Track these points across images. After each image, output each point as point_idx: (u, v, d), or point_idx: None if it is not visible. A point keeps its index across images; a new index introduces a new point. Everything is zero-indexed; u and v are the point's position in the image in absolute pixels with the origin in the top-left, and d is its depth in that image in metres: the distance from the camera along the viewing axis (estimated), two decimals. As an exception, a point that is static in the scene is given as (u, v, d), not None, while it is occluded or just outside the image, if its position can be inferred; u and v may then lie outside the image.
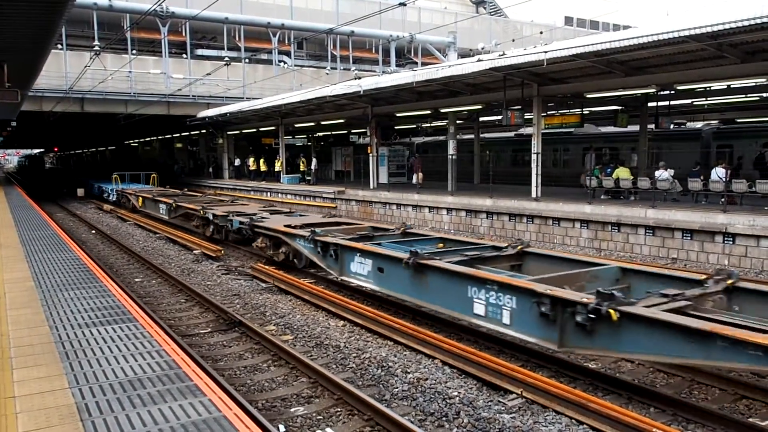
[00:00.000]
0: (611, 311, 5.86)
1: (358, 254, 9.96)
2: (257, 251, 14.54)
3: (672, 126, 23.45)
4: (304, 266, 13.33)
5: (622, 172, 18.39)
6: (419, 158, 27.97)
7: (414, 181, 25.66)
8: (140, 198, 24.68)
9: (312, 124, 31.73)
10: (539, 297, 6.55)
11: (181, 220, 20.84)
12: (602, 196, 18.64)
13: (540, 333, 6.73)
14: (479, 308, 7.50)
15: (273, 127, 34.12)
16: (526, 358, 7.89)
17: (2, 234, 13.59)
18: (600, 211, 16.30)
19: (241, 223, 14.85)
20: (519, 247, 9.31)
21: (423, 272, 8.43)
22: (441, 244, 10.68)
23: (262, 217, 14.80)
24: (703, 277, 7.11)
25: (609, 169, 19.11)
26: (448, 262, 8.37)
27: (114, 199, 29.78)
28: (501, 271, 8.43)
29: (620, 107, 22.23)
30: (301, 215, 16.04)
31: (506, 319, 7.12)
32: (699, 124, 26.83)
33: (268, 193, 30.86)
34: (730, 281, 6.77)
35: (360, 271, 9.94)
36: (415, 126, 32.91)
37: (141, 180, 35.01)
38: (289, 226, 13.01)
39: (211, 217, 17.06)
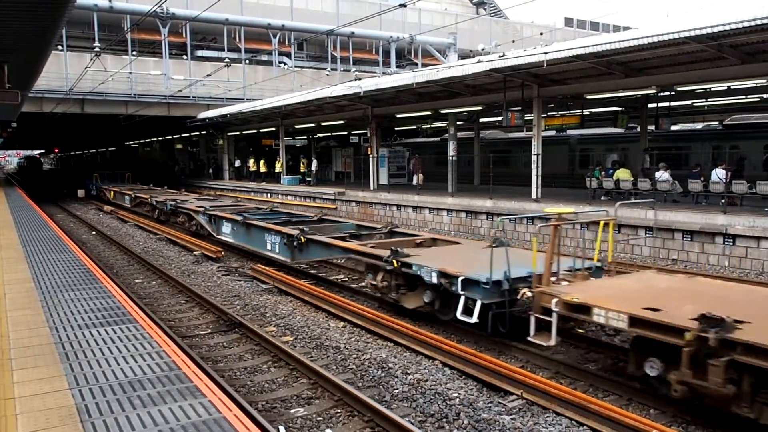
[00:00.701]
0: (302, 238, 11.84)
1: (225, 221, 15.91)
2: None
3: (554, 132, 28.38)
4: (208, 234, 17.36)
5: (623, 173, 18.39)
6: (419, 159, 27.91)
7: (414, 182, 25.65)
8: (111, 192, 31.20)
9: (312, 125, 31.73)
10: (284, 235, 12.56)
11: (143, 209, 25.49)
12: (602, 197, 18.64)
13: (287, 255, 12.64)
14: (269, 245, 13.46)
15: (273, 128, 34.14)
16: (527, 360, 7.90)
17: (2, 235, 13.59)
18: (600, 212, 16.28)
19: (170, 205, 20.69)
20: (319, 215, 15.75)
21: (249, 228, 14.45)
22: (284, 216, 16.22)
23: (188, 202, 20.61)
24: (381, 226, 13.43)
25: (610, 170, 19.12)
26: (267, 222, 14.25)
27: (95, 193, 35.85)
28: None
29: (620, 108, 22.25)
30: (220, 202, 21.44)
31: (277, 250, 13.06)
32: (699, 125, 27.31)
33: (269, 194, 30.84)
34: (390, 227, 13.10)
35: (226, 231, 15.88)
36: (415, 127, 32.92)
37: (117, 179, 38.93)
38: (200, 206, 18.18)
39: (154, 203, 23.07)
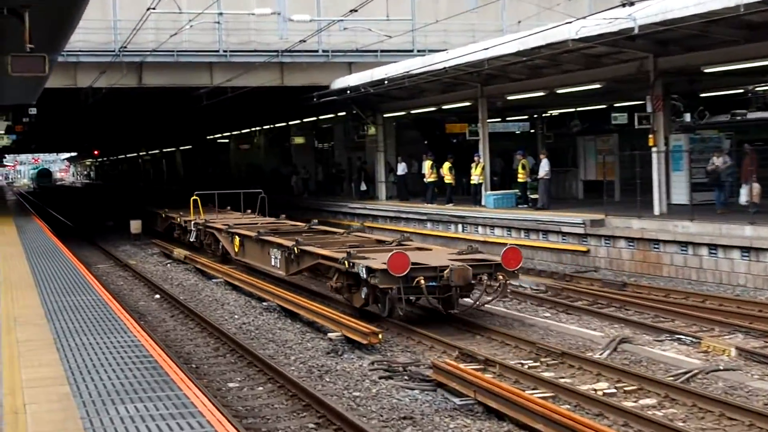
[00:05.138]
0: None
1: None
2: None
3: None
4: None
5: None
6: (753, 153, 26.63)
7: (742, 198, 24.64)
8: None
9: (540, 93, 31.78)
10: None
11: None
12: None
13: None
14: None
15: (468, 102, 34.62)
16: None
17: (18, 302, 14.91)
18: None
19: None
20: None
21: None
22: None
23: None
24: None
25: None
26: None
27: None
28: None
29: None
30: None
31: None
32: None
33: (459, 226, 31.27)
34: None
35: None
36: (742, 91, 31.84)
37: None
38: None
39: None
